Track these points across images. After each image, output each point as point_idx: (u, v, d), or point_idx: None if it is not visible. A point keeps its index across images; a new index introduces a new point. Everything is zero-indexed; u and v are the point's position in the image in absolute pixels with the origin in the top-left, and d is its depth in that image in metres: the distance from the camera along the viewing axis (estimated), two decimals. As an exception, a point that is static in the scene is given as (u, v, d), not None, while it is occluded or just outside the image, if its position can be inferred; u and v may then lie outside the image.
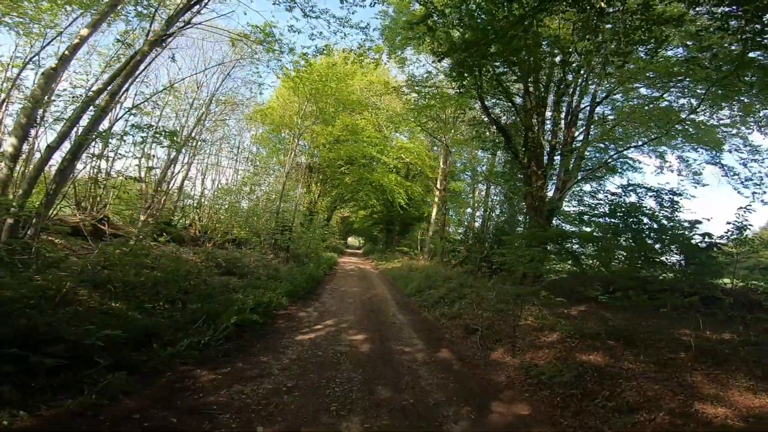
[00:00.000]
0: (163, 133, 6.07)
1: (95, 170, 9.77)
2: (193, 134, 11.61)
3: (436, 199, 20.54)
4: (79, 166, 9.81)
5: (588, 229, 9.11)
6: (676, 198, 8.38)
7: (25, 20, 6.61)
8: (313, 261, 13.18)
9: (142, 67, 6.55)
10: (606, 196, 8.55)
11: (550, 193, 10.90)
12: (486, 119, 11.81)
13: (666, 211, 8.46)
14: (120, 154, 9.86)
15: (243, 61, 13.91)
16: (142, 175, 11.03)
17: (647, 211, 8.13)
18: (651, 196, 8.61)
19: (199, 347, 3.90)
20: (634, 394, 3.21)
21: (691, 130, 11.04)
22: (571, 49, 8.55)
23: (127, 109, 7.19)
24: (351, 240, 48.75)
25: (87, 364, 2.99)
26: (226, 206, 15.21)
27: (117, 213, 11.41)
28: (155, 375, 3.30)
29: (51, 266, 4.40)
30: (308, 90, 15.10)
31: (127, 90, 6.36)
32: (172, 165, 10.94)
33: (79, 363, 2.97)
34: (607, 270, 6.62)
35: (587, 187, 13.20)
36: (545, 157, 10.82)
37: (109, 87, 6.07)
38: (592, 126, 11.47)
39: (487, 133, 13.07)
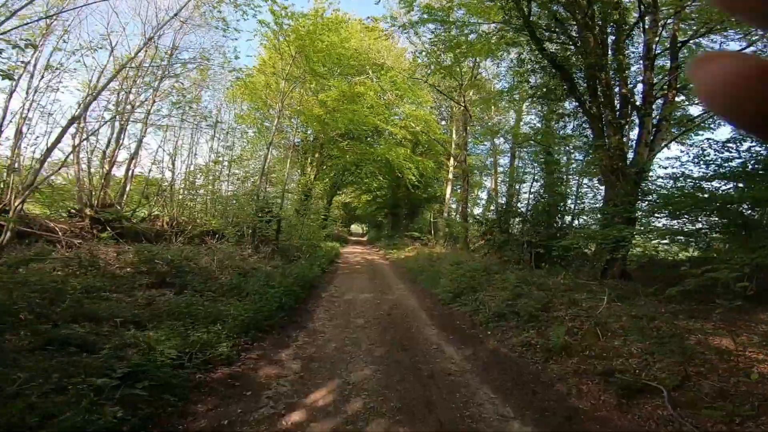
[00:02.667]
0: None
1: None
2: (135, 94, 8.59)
3: (450, 175, 17.57)
4: None
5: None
6: None
7: None
8: (307, 255, 10.27)
9: None
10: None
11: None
12: (536, 57, 8.78)
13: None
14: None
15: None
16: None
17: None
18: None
19: None
20: None
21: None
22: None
23: None
24: (354, 227, 45.88)
25: None
26: (201, 192, 12.31)
27: (48, 206, 8.51)
28: None
29: None
30: (293, 47, 11.88)
31: None
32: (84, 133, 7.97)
33: None
34: None
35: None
36: (617, 108, 8.05)
37: None
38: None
39: (526, 85, 10.04)
